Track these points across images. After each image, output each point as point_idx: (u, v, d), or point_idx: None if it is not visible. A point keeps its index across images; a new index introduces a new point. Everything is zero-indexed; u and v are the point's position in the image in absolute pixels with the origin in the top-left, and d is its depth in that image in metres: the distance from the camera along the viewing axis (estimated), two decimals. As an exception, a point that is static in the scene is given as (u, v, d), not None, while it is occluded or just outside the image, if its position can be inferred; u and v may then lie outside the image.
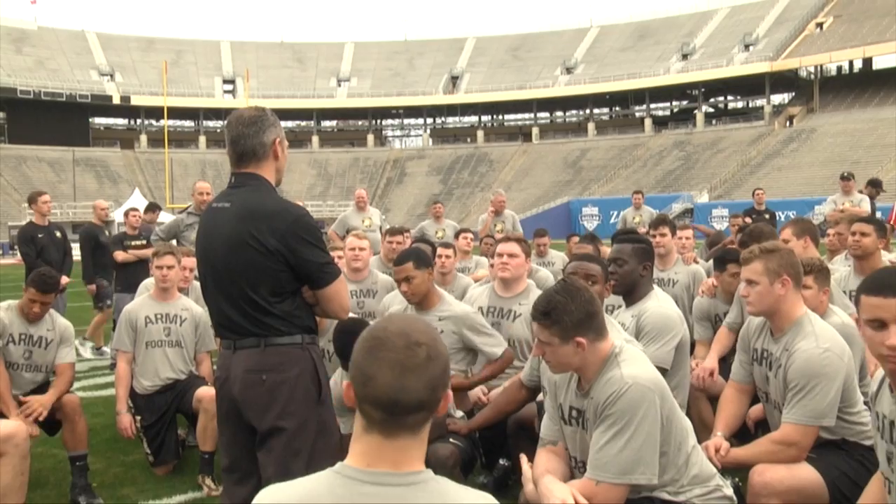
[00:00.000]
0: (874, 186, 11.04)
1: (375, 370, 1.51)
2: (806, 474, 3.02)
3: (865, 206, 10.11)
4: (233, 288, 2.89)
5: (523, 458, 2.99)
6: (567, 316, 2.69)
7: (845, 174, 10.69)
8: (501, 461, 4.38)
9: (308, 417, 2.87)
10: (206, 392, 4.92)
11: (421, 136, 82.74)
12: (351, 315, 3.51)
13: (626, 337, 3.24)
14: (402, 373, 1.51)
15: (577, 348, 2.70)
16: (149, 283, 5.87)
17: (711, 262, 5.78)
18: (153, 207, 11.17)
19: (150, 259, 5.45)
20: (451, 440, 3.76)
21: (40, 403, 4.53)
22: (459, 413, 4.24)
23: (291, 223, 2.86)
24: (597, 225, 48.83)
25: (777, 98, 70.51)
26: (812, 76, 68.05)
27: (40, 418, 4.51)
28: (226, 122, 3.06)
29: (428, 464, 3.70)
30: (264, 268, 2.84)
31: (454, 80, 79.02)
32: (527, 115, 79.57)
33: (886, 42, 60.57)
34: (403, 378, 1.51)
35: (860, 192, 10.80)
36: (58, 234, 8.87)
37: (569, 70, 75.90)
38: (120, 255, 9.01)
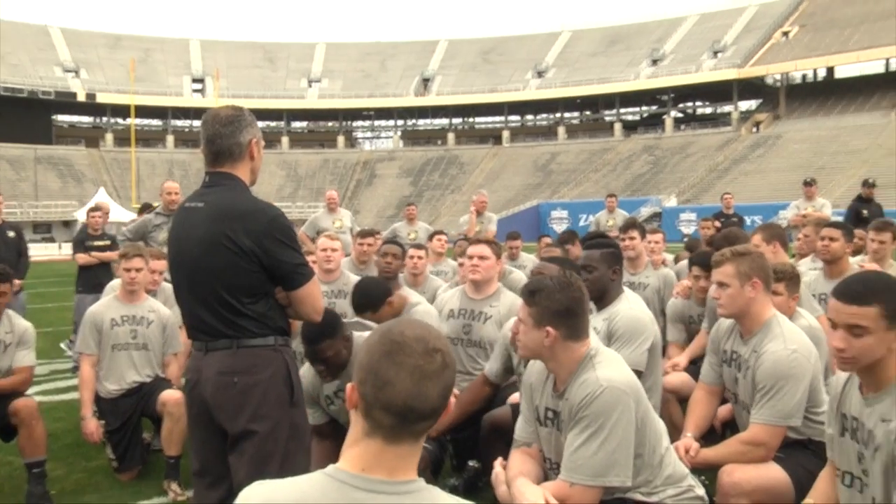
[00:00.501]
0: (870, 186, 11.33)
1: (393, 375, 1.48)
2: (773, 474, 3.08)
3: (827, 211, 10.28)
4: (206, 289, 2.85)
5: (498, 461, 2.99)
6: (548, 302, 2.74)
7: (808, 180, 10.89)
8: (471, 463, 4.37)
9: (280, 420, 2.84)
10: (170, 395, 4.85)
11: (391, 137, 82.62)
12: None
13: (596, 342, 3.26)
14: (420, 379, 1.49)
15: (545, 337, 2.73)
16: (115, 284, 5.75)
17: (685, 263, 5.84)
18: (147, 207, 10.67)
19: (117, 261, 5.33)
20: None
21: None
22: None
23: (266, 224, 2.83)
24: (565, 228, 49.05)
25: (744, 104, 71.49)
26: (778, 84, 69.11)
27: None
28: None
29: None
30: (238, 268, 2.80)
31: (426, 82, 79.04)
32: (498, 119, 79.81)
33: (849, 52, 61.82)
34: (421, 384, 1.49)
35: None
36: (10, 234, 8.52)
37: (540, 74, 76.28)
38: (81, 259, 8.79)
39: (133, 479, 5.00)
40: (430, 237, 8.31)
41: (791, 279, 4.04)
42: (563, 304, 2.74)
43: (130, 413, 5.11)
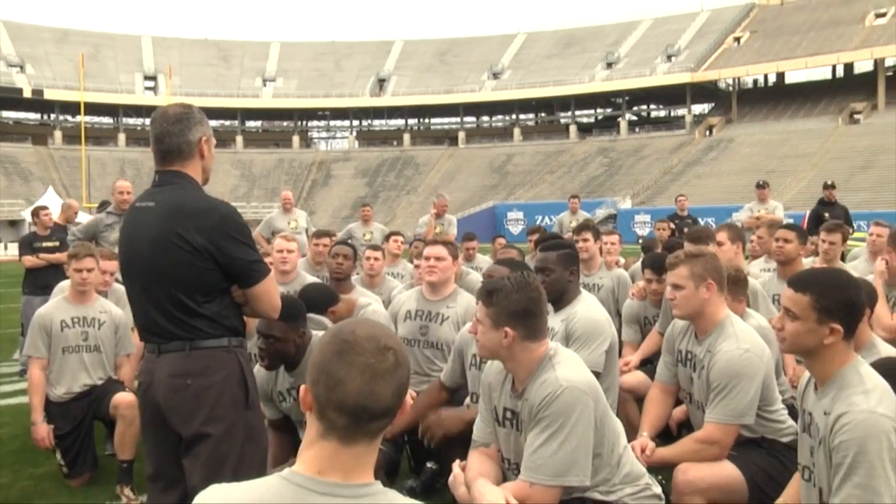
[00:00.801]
0: (830, 188, 11.57)
1: (344, 374, 1.47)
2: (727, 471, 3.14)
3: (780, 214, 10.48)
4: (159, 289, 2.81)
5: (456, 462, 2.99)
6: (506, 302, 2.74)
7: (761, 182, 11.10)
8: (429, 464, 4.37)
9: (235, 422, 2.81)
10: (123, 398, 4.76)
11: (347, 138, 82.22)
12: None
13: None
14: (372, 378, 1.48)
15: (504, 338, 2.74)
16: (64, 285, 5.62)
17: (639, 265, 5.92)
18: (105, 205, 10.18)
19: (67, 261, 5.18)
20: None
21: None
22: None
23: (218, 221, 2.80)
24: (521, 229, 49.34)
25: (697, 108, 72.61)
26: (730, 88, 70.39)
27: None
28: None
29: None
30: (191, 267, 2.77)
31: (381, 82, 78.86)
32: (453, 120, 79.93)
33: (797, 58, 63.33)
34: (373, 383, 1.48)
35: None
36: None
37: (495, 76, 76.59)
38: (29, 261, 8.52)
39: (84, 485, 4.89)
40: (387, 238, 8.29)
41: (736, 283, 4.14)
42: (520, 305, 2.75)
43: (82, 417, 5.00)
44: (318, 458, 1.50)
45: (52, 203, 42.91)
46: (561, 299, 4.00)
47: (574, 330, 3.83)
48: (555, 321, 3.94)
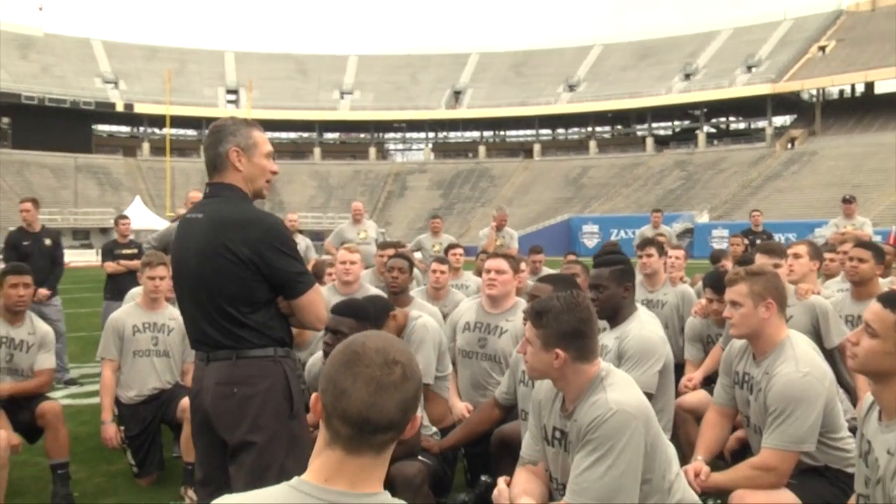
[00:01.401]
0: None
1: (349, 385, 1.49)
2: (785, 500, 3.00)
3: (868, 230, 10.08)
4: (206, 299, 2.86)
5: (502, 478, 2.97)
6: (556, 324, 2.69)
7: (847, 197, 10.64)
8: (483, 478, 4.34)
9: (278, 431, 2.84)
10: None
11: (422, 150, 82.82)
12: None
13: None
14: (376, 390, 1.49)
15: (555, 360, 2.69)
16: (136, 291, 5.83)
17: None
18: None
19: (140, 269, 5.39)
20: (420, 458, 3.72)
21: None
22: (433, 429, 4.20)
23: (263, 232, 2.83)
24: (596, 243, 48.84)
25: (779, 120, 70.65)
26: (814, 99, 68.23)
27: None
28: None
29: (394, 482, 3.66)
30: (237, 278, 2.81)
31: (457, 94, 79.20)
32: (529, 132, 79.68)
33: (888, 67, 60.68)
34: (377, 395, 1.49)
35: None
36: (47, 241, 8.66)
37: (571, 87, 76.09)
38: (110, 267, 8.94)
39: (152, 485, 5.07)
40: (445, 251, 8.22)
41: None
42: (571, 326, 2.69)
43: (151, 419, 5.18)
44: (325, 466, 1.52)
45: (139, 212, 44.40)
46: (615, 316, 3.91)
47: (627, 349, 3.74)
48: (608, 338, 3.87)
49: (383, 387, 1.49)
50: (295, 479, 1.52)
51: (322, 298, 3.01)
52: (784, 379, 3.07)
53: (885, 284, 5.46)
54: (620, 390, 2.68)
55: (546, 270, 8.45)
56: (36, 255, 8.44)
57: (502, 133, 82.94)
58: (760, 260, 4.78)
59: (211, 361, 2.89)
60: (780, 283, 3.29)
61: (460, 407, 4.65)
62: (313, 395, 1.57)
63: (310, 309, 2.92)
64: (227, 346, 2.85)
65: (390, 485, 3.53)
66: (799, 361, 3.10)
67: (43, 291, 8.29)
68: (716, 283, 4.92)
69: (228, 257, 2.80)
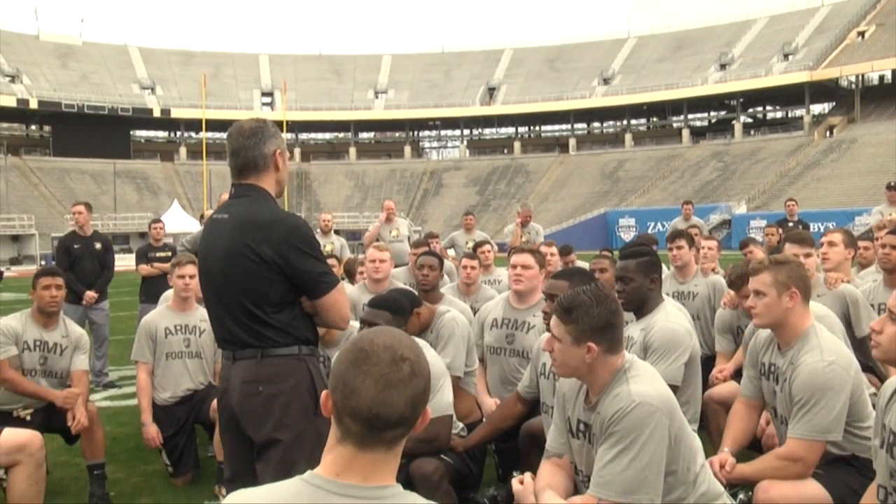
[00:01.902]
0: None
1: (359, 383, 1.51)
2: (812, 491, 2.96)
3: None
4: (231, 299, 2.90)
5: (527, 474, 2.96)
6: (587, 318, 2.67)
7: (892, 184, 10.36)
8: (515, 474, 4.34)
9: (305, 429, 2.86)
10: (222, 402, 4.94)
11: (458, 147, 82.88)
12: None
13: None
14: (385, 387, 1.51)
15: (587, 354, 2.67)
16: (169, 294, 5.92)
17: None
18: None
19: (170, 269, 5.47)
20: (441, 455, 3.73)
21: (77, 419, 4.61)
22: (460, 425, 4.21)
23: (286, 233, 2.86)
24: (633, 236, 48.50)
25: (817, 108, 69.49)
26: (853, 85, 66.93)
27: (81, 424, 4.60)
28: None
29: (413, 479, 3.67)
30: (260, 278, 2.84)
31: (491, 91, 79.10)
32: (564, 126, 79.35)
33: (931, 50, 59.43)
34: (386, 393, 1.51)
35: None
36: (98, 245, 8.79)
37: (606, 81, 75.59)
38: (144, 269, 9.07)
39: (187, 484, 5.13)
40: (474, 248, 8.19)
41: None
42: (602, 319, 2.67)
43: (185, 420, 5.24)
44: (337, 461, 1.54)
45: (177, 216, 44.95)
46: (641, 308, 3.89)
47: (652, 341, 3.71)
48: (634, 330, 3.85)
49: (392, 384, 1.51)
50: (308, 473, 1.55)
51: (346, 298, 3.02)
52: (809, 368, 3.03)
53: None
54: (643, 382, 2.67)
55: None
56: (86, 259, 8.58)
57: (537, 128, 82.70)
58: (790, 250, 4.71)
59: (237, 360, 2.93)
60: (805, 273, 3.24)
61: (489, 403, 4.66)
62: (323, 393, 1.59)
63: (333, 308, 2.94)
64: (253, 346, 2.89)
65: (409, 482, 3.56)
66: (824, 350, 3.06)
67: (90, 294, 8.44)
68: (742, 278, 4.86)
69: (251, 257, 2.84)
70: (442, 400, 3.76)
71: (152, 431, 5.06)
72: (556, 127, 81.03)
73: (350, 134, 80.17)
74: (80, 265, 8.54)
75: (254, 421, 2.89)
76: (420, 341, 3.99)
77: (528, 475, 2.94)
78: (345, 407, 1.52)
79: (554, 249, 7.35)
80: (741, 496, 3.21)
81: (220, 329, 3.00)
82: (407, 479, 3.58)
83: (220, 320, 2.98)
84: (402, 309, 3.94)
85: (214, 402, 4.95)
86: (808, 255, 4.67)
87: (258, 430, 2.88)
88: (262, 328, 2.87)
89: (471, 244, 9.87)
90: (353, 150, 79.26)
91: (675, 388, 3.44)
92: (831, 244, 5.04)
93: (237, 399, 2.91)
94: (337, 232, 12.68)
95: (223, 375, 3.02)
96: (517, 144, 78.32)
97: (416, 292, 4.79)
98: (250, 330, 2.88)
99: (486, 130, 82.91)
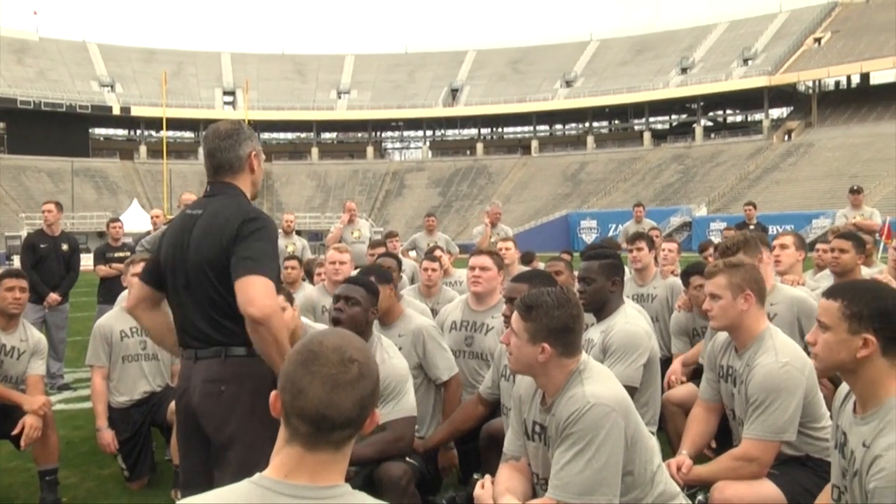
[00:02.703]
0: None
1: (306, 384, 1.52)
2: (766, 491, 3.01)
3: (877, 219, 10.06)
4: (201, 292, 2.89)
5: (486, 477, 2.97)
6: (546, 318, 2.68)
7: (854, 188, 10.59)
8: (476, 475, 4.34)
9: (266, 431, 2.82)
10: (180, 404, 4.88)
11: (420, 148, 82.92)
12: None
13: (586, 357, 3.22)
14: (333, 388, 1.51)
15: (540, 353, 2.68)
16: (125, 295, 5.80)
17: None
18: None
19: (124, 269, 5.36)
20: (405, 458, 3.72)
21: (31, 426, 4.48)
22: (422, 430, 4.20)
23: (241, 224, 2.84)
24: (595, 238, 48.86)
25: (775, 112, 70.72)
26: (810, 91, 68.28)
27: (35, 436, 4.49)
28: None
29: (381, 483, 3.64)
30: (226, 273, 2.83)
31: (454, 92, 79.24)
32: (526, 128, 79.76)
33: (884, 57, 60.81)
34: (333, 394, 1.51)
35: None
36: (65, 247, 8.61)
37: (568, 83, 76.14)
38: (101, 270, 8.92)
39: (143, 488, 5.04)
40: (430, 251, 8.18)
41: (745, 244, 4.12)
42: (561, 322, 2.69)
43: (141, 423, 5.15)
44: (285, 462, 1.55)
45: (136, 215, 44.39)
46: (602, 310, 3.91)
47: (611, 343, 3.73)
48: (594, 333, 3.87)
49: (340, 385, 1.52)
50: (256, 475, 1.55)
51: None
52: (764, 370, 3.08)
53: (870, 275, 5.46)
54: (598, 383, 2.68)
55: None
56: (51, 259, 8.41)
57: (500, 130, 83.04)
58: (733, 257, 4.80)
59: (199, 359, 2.90)
60: (759, 275, 3.30)
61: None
62: (273, 394, 1.59)
63: (242, 290, 2.73)
64: (217, 343, 2.87)
65: (377, 486, 3.54)
66: (778, 352, 3.11)
67: (53, 296, 8.27)
68: (701, 271, 4.92)
69: (219, 253, 2.84)
70: (407, 402, 3.76)
71: (108, 437, 4.96)
72: (519, 128, 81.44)
73: (312, 134, 79.75)
74: (45, 265, 8.37)
75: (214, 421, 2.86)
76: (387, 341, 4.00)
77: (487, 478, 2.94)
78: (293, 407, 1.53)
79: (510, 244, 7.35)
80: (700, 497, 3.24)
81: (185, 324, 2.97)
82: (373, 483, 3.56)
83: (186, 316, 2.95)
84: (375, 290, 3.96)
85: (172, 404, 4.91)
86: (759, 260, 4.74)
87: (218, 431, 2.85)
88: (227, 321, 2.85)
89: (432, 245, 9.89)
90: (315, 151, 78.86)
91: (633, 390, 3.47)
92: (783, 247, 5.12)
93: (198, 398, 2.88)
94: (299, 233, 12.61)
95: (183, 375, 2.99)
96: (480, 146, 78.54)
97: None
98: (216, 323, 2.86)
99: (449, 131, 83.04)
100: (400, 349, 4.19)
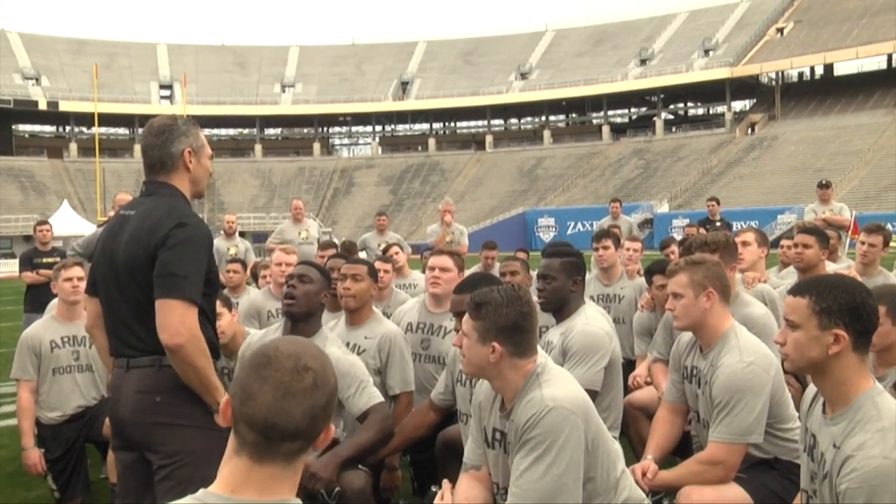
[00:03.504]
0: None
1: (257, 389, 1.50)
2: (734, 494, 3.04)
3: (846, 214, 10.27)
4: (132, 297, 2.86)
5: (445, 485, 2.97)
6: (495, 316, 2.69)
7: (823, 182, 10.78)
8: (433, 488, 4.34)
9: (204, 443, 2.80)
10: (117, 419, 4.78)
11: (370, 144, 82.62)
12: None
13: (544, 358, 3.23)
14: (283, 396, 1.50)
15: (491, 353, 2.69)
16: (54, 304, 5.65)
17: None
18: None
19: (54, 275, 5.21)
20: (359, 467, 3.71)
21: None
22: None
23: (170, 229, 2.81)
24: (553, 236, 49.21)
25: (738, 105, 72.01)
26: (773, 82, 69.58)
27: None
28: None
29: (343, 495, 3.63)
30: (151, 275, 2.80)
31: (404, 85, 79.16)
32: (480, 123, 80.00)
33: (847, 48, 62.28)
34: (284, 401, 1.50)
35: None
36: None
37: (523, 76, 76.55)
38: (28, 277, 8.71)
39: (76, 511, 4.94)
40: (384, 251, 8.16)
41: (726, 248, 4.08)
42: (510, 320, 2.69)
43: (75, 439, 5.02)
44: (233, 475, 1.53)
45: (67, 217, 43.49)
46: (562, 309, 3.93)
47: (571, 345, 3.75)
48: (553, 335, 3.89)
49: (291, 393, 1.50)
50: (201, 492, 1.53)
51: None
52: (728, 370, 3.11)
53: (835, 270, 5.57)
54: (556, 386, 2.69)
55: (498, 267, 8.47)
56: None
57: (452, 125, 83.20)
58: (692, 255, 4.86)
59: (131, 368, 2.86)
60: (722, 272, 3.34)
61: None
62: (224, 399, 1.58)
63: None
64: (149, 352, 2.83)
65: (340, 498, 3.52)
66: (743, 351, 3.14)
67: None
68: (663, 269, 4.98)
69: (145, 257, 2.81)
70: (376, 392, 3.78)
71: (34, 457, 4.80)
72: (473, 123, 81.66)
73: (255, 130, 78.99)
74: None
75: (149, 436, 2.82)
76: (332, 336, 4.00)
77: (447, 487, 2.94)
78: (241, 413, 1.51)
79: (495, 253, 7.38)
80: (665, 503, 3.28)
81: (116, 332, 2.93)
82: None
83: (118, 322, 2.91)
84: (330, 278, 4.04)
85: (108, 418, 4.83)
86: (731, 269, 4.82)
87: (154, 446, 2.82)
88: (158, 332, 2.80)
89: (384, 246, 9.86)
90: (258, 147, 78.11)
91: (594, 394, 3.49)
92: (745, 244, 5.19)
93: (130, 411, 2.84)
94: (242, 234, 12.49)
95: (114, 385, 2.95)
96: (432, 141, 78.57)
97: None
98: (149, 332, 2.81)
99: (400, 127, 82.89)
100: (363, 352, 4.20)
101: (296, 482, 1.57)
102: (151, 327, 2.80)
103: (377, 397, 3.75)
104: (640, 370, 5.04)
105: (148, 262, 2.80)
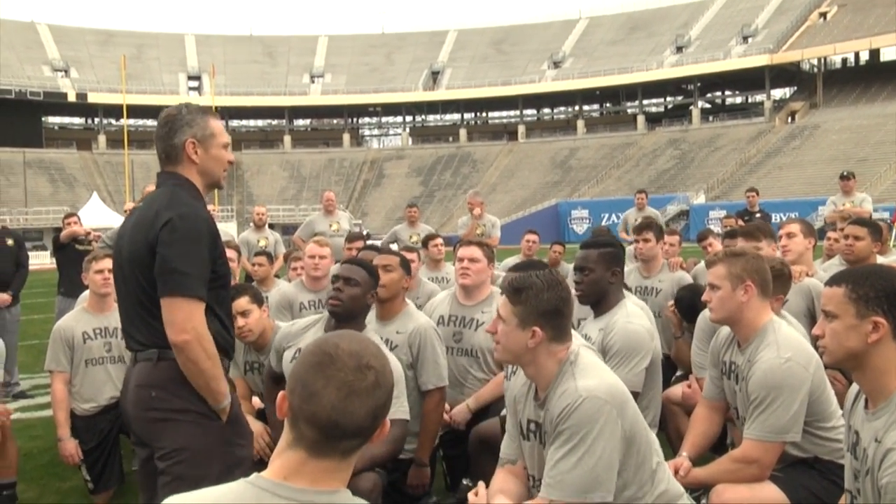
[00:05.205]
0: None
1: (320, 388, 1.53)
2: (768, 493, 3.01)
3: (868, 207, 10.17)
4: (133, 291, 2.89)
5: (479, 486, 2.99)
6: (536, 301, 2.71)
7: (845, 173, 10.77)
8: (465, 481, 4.36)
9: (199, 439, 2.84)
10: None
11: (400, 135, 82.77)
12: None
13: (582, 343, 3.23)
14: (347, 395, 1.53)
15: (530, 338, 2.70)
16: (85, 295, 5.75)
17: (702, 266, 5.79)
18: None
19: (85, 267, 5.29)
20: (374, 469, 3.74)
21: None
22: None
23: (167, 222, 2.81)
24: (586, 228, 48.98)
25: (778, 93, 71.10)
26: (815, 69, 68.59)
27: None
28: None
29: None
30: (150, 267, 2.83)
31: (435, 75, 79.08)
32: (512, 113, 79.78)
33: (894, 33, 60.96)
34: (348, 401, 1.53)
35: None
36: (9, 242, 8.49)
37: (556, 64, 76.17)
38: (65, 235, 8.76)
39: (109, 501, 5.01)
40: (425, 242, 8.17)
41: (777, 278, 3.98)
42: (551, 304, 2.71)
43: (108, 430, 5.09)
44: (286, 465, 1.56)
45: (97, 209, 44.01)
46: (600, 302, 3.91)
47: (612, 344, 3.73)
48: (592, 328, 3.88)
49: (355, 392, 1.53)
50: (253, 476, 1.56)
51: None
52: (765, 366, 3.07)
53: (885, 262, 5.49)
54: (590, 376, 2.70)
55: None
56: None
57: (484, 115, 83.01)
58: (741, 244, 4.80)
59: (137, 362, 2.91)
60: (763, 266, 3.28)
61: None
62: (280, 394, 1.60)
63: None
64: (152, 345, 2.85)
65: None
66: (780, 347, 3.10)
67: (4, 297, 8.17)
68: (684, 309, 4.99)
69: (146, 251, 2.83)
70: (404, 404, 3.80)
71: (70, 447, 4.88)
72: (504, 113, 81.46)
73: (284, 121, 79.40)
74: None
75: (146, 429, 2.86)
76: (375, 338, 4.01)
77: (481, 485, 2.97)
78: (302, 411, 1.54)
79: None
80: (704, 501, 3.27)
81: (129, 325, 2.97)
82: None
83: (126, 316, 2.96)
84: (376, 273, 4.03)
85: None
86: (758, 249, 4.75)
87: (151, 441, 2.86)
88: (159, 324, 2.81)
89: (415, 238, 9.86)
90: (287, 139, 78.54)
91: (635, 395, 3.48)
92: (790, 235, 5.10)
93: (131, 405, 2.89)
94: (271, 226, 12.56)
95: (125, 377, 3.01)
96: (463, 132, 78.47)
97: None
98: (149, 325, 2.85)
99: (430, 117, 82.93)
100: (395, 347, 4.20)
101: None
102: (152, 321, 2.83)
103: (403, 413, 3.76)
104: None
105: (149, 255, 2.80)
